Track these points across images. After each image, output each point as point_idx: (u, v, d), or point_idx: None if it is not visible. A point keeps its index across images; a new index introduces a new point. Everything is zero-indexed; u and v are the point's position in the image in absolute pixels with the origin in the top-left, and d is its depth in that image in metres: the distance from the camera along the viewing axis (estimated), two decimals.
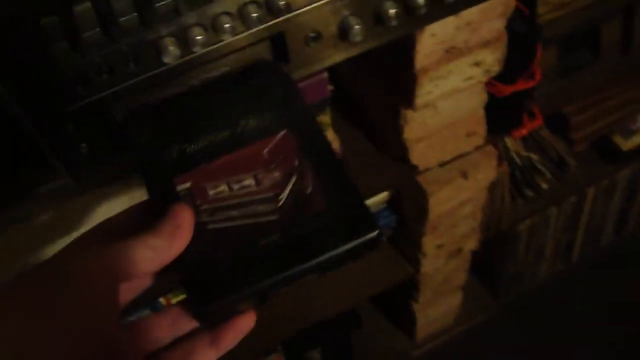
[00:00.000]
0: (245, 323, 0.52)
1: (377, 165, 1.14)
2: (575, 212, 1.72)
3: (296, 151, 0.57)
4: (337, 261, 0.52)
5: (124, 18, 0.52)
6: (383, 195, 1.31)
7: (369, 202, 1.30)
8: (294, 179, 0.55)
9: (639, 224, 1.94)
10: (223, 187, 0.55)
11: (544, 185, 1.54)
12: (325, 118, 0.95)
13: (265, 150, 0.57)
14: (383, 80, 1.05)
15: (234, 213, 0.53)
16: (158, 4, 0.53)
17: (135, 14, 0.53)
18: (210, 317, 0.51)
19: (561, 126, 1.50)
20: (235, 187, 0.55)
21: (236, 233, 0.52)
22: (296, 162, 0.56)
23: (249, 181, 0.55)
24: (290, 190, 0.54)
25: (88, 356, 0.43)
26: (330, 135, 0.99)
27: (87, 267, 0.45)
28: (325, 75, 0.88)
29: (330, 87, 0.91)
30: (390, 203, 1.35)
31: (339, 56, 0.72)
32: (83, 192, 0.84)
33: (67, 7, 0.51)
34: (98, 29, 0.52)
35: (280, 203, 0.53)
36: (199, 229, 0.52)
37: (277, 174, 0.55)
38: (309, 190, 0.54)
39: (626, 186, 1.74)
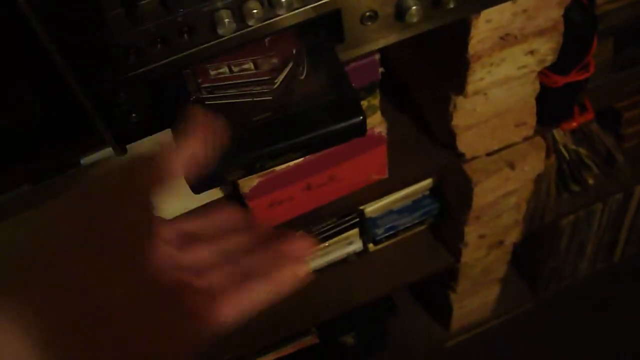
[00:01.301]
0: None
1: (424, 151, 1.13)
2: (620, 210, 1.68)
3: (295, 42, 0.62)
4: (322, 141, 0.58)
5: None
6: (427, 183, 1.30)
7: (413, 188, 1.28)
8: (290, 65, 0.60)
9: None
10: (224, 69, 0.59)
11: (591, 181, 1.51)
12: (374, 101, 0.94)
13: (267, 39, 0.61)
14: (435, 65, 1.04)
15: (232, 92, 0.58)
16: None
17: None
18: (201, 184, 0.56)
19: (612, 121, 1.46)
20: (235, 69, 0.59)
21: (232, 109, 0.58)
22: (294, 51, 0.61)
23: (249, 65, 0.60)
24: (286, 75, 0.60)
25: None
26: (378, 118, 0.98)
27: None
28: (377, 57, 0.86)
29: (381, 70, 0.89)
30: (434, 190, 1.33)
31: (393, 37, 0.71)
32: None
33: None
34: None
35: (276, 85, 0.59)
36: (199, 104, 0.58)
37: (275, 60, 0.60)
38: (304, 75, 0.60)
39: None
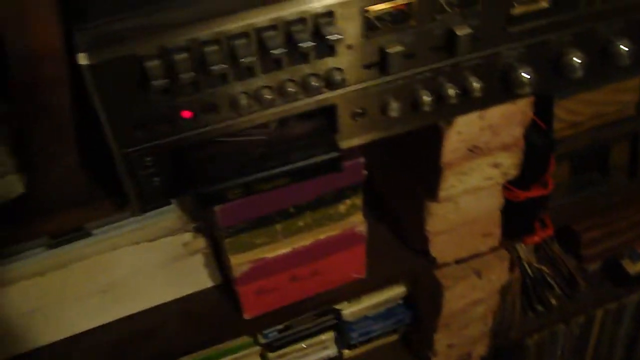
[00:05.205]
0: None
1: (399, 255, 1.23)
2: (583, 333, 1.75)
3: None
4: (304, 171, 0.76)
5: (215, 67, 0.64)
6: (400, 291, 1.39)
7: (387, 295, 1.37)
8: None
9: None
10: None
11: (554, 301, 1.60)
12: (357, 201, 1.04)
13: None
14: (410, 172, 1.16)
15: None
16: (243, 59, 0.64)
17: (226, 65, 0.64)
18: (208, 198, 0.75)
19: (572, 243, 1.57)
20: None
21: (237, 144, 0.75)
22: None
23: None
24: (279, 121, 0.77)
25: None
26: (360, 218, 1.08)
27: None
28: (362, 159, 0.98)
29: (365, 172, 1.01)
30: (406, 300, 1.42)
31: (378, 134, 0.83)
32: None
33: (168, 53, 0.62)
34: (193, 73, 0.63)
35: (270, 128, 0.77)
36: (212, 141, 0.73)
37: None
38: (292, 121, 0.78)
39: (635, 312, 1.77)
